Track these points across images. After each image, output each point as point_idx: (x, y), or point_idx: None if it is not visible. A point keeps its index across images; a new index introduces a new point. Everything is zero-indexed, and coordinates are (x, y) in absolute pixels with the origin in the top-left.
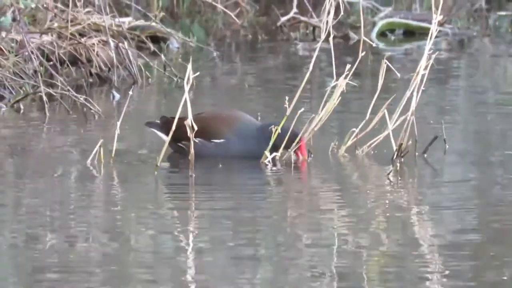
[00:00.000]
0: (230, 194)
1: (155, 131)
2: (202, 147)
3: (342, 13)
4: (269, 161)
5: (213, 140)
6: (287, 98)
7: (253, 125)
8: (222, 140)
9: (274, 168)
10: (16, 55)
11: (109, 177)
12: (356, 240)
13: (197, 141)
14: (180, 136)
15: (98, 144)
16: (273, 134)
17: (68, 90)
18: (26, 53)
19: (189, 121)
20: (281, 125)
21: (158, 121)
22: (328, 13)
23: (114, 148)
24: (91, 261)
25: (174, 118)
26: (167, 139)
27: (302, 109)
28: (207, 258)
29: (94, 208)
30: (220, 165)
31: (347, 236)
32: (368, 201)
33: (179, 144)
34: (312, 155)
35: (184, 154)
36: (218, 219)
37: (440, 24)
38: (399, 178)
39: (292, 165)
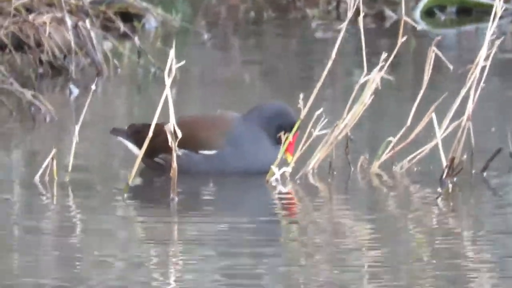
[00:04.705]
0: (225, 228)
1: (124, 141)
2: (187, 160)
3: None
4: (277, 179)
5: (201, 152)
6: (301, 96)
7: (253, 129)
8: (213, 152)
9: (284, 189)
10: None
11: (64, 199)
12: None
13: (180, 153)
14: (156, 148)
15: (50, 156)
16: (282, 143)
17: (11, 84)
18: None
19: (171, 126)
20: (292, 132)
21: (127, 129)
22: None
23: (71, 161)
24: None
25: (146, 125)
26: (139, 152)
27: (321, 111)
28: None
29: (43, 246)
30: (211, 185)
31: (383, 282)
32: (409, 234)
33: (156, 159)
34: (334, 173)
35: (163, 171)
36: (207, 265)
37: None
38: (451, 203)
39: (310, 184)
